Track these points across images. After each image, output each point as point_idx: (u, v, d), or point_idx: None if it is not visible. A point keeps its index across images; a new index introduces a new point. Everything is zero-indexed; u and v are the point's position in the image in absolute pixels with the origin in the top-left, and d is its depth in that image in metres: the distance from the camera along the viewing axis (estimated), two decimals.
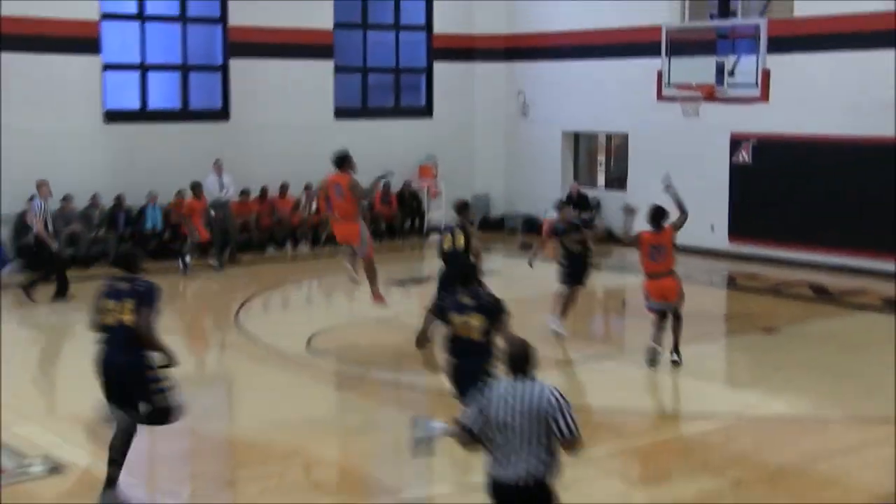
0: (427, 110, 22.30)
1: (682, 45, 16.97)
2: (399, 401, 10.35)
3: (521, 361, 5.63)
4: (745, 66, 15.87)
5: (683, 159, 19.25)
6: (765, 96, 15.60)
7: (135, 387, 7.30)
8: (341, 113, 20.98)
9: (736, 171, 18.61)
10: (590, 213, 21.11)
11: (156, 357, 7.35)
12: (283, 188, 19.54)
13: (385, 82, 22.09)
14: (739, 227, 18.72)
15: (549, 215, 20.84)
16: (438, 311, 8.05)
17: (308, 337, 12.68)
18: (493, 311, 7.56)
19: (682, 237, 17.68)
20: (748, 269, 17.84)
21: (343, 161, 12.14)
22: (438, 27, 22.14)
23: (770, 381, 11.04)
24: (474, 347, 7.50)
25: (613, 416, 9.87)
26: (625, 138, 20.95)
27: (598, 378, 11.15)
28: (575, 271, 12.53)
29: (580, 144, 22.23)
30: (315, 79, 20.45)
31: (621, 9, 20.24)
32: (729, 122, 18.27)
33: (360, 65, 21.51)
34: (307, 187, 19.40)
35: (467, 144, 22.41)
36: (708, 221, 19.00)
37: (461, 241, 11.31)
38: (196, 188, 17.39)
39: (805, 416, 9.85)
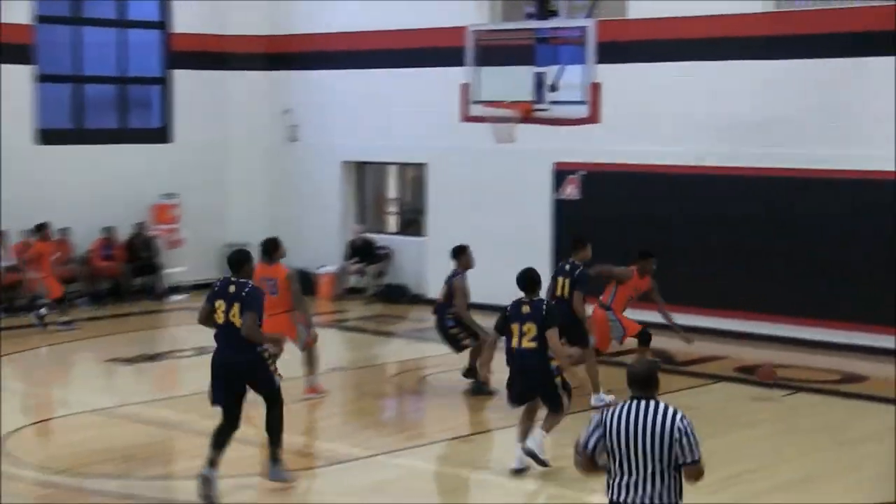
0: (163, 133, 22.04)
1: (493, 52, 17.38)
2: None
3: (647, 381, 6.62)
4: (571, 79, 16.39)
5: (495, 195, 19.72)
6: (595, 116, 16.13)
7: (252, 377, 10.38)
8: (47, 136, 20.45)
9: (561, 210, 19.19)
10: (378, 266, 21.30)
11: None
12: None
13: (106, 96, 21.69)
14: None
15: (326, 270, 20.91)
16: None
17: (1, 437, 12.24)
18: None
19: (491, 294, 18.02)
20: None
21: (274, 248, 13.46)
22: (179, 25, 21.98)
23: None
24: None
25: None
26: (422, 170, 21.27)
27: (387, 478, 11.20)
28: None
29: (366, 178, 22.42)
30: (8, 90, 19.87)
31: (417, 7, 20.65)
32: (552, 149, 18.85)
33: (72, 72, 21.05)
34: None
35: (219, 178, 22.23)
36: None
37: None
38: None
39: None
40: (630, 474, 6.53)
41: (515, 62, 17.09)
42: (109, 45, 21.59)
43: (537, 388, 10.95)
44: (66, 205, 20.00)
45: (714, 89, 17.74)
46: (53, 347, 17.28)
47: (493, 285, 19.57)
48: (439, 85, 19.61)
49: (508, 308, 11.11)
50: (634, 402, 6.60)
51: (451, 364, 14.08)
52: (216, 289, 10.39)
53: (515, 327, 10.92)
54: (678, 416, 6.54)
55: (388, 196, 22.90)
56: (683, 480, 6.60)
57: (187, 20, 22.03)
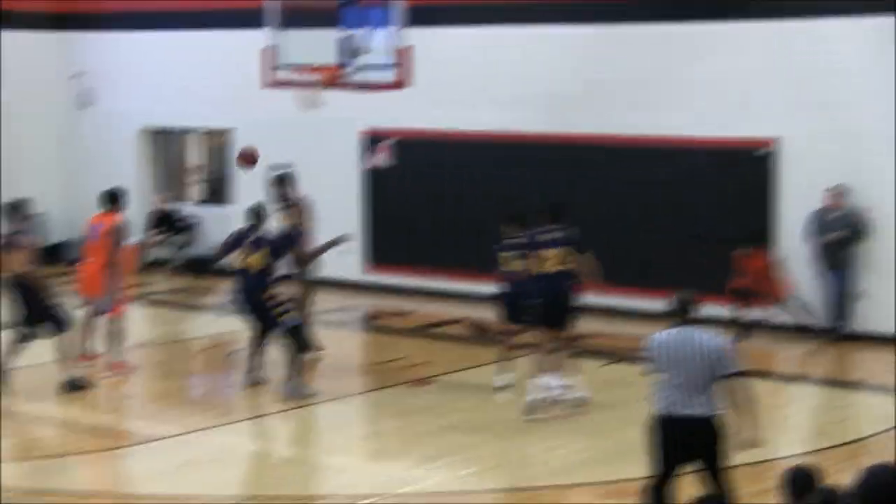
0: None
1: (297, 14, 17.32)
2: None
3: (688, 306, 8.41)
4: (379, 43, 16.45)
5: (303, 164, 19.61)
6: (404, 81, 16.24)
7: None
8: None
9: (371, 180, 19.28)
10: (182, 237, 21.08)
11: None
12: None
13: None
14: (378, 251, 19.37)
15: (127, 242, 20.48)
16: None
17: None
18: None
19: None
20: (392, 305, 18.50)
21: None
22: None
23: (424, 447, 11.54)
24: None
25: None
26: (227, 136, 21.07)
27: (198, 455, 11.15)
28: None
29: (166, 146, 22.12)
30: None
31: None
32: (360, 116, 18.90)
33: None
34: None
35: (5, 149, 21.51)
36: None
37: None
38: None
39: (469, 489, 10.35)
40: (678, 387, 8.21)
41: (320, 24, 17.05)
42: None
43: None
44: None
45: (526, 54, 18.02)
46: None
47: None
48: (241, 48, 19.39)
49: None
50: (677, 328, 8.36)
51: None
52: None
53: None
54: (716, 337, 8.34)
55: (191, 164, 22.61)
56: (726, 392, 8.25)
57: None
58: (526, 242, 12.82)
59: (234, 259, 13.48)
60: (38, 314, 12.92)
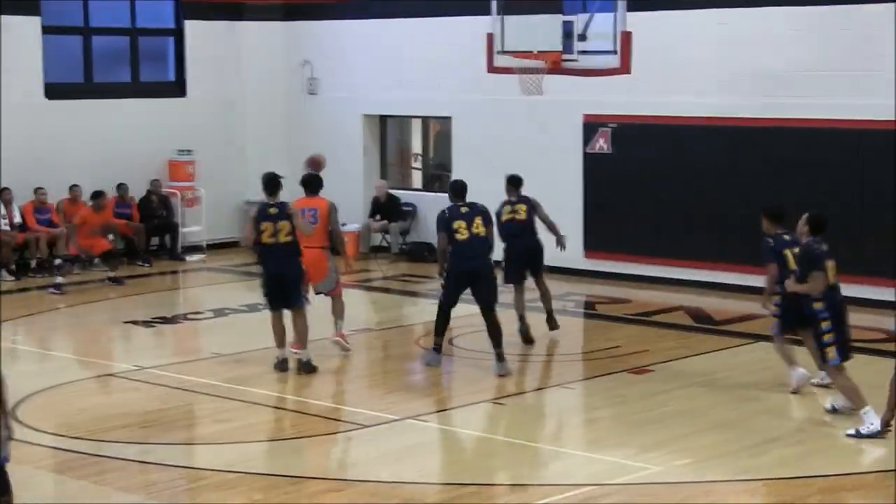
0: (177, 87, 22.06)
1: (520, 0, 17.34)
2: (145, 485, 10.15)
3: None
4: (601, 28, 16.35)
5: (523, 150, 19.66)
6: (626, 66, 16.11)
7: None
8: (55, 91, 20.48)
9: (591, 165, 19.14)
10: (403, 223, 21.33)
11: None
12: None
13: (117, 48, 21.69)
14: (598, 237, 19.23)
15: (348, 228, 20.95)
16: None
17: (14, 403, 12.32)
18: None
19: None
20: (609, 292, 18.34)
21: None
22: None
23: (641, 436, 11.39)
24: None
25: (450, 491, 10.01)
26: (447, 123, 21.23)
27: (418, 441, 11.25)
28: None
29: (388, 133, 22.41)
30: (14, 43, 19.89)
31: None
32: (581, 101, 18.77)
33: (81, 24, 21.05)
34: (2, 196, 19.20)
35: (235, 134, 22.25)
36: None
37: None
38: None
39: (687, 479, 10.18)
40: None
41: (543, 11, 17.03)
42: None
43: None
44: (76, 162, 20.06)
45: (748, 37, 17.60)
46: (67, 310, 17.39)
47: None
48: (465, 35, 19.58)
49: None
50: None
51: (480, 324, 14.09)
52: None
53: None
54: None
55: (413, 151, 22.87)
56: None
57: None
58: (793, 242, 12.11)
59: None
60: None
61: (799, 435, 11.35)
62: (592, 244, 19.17)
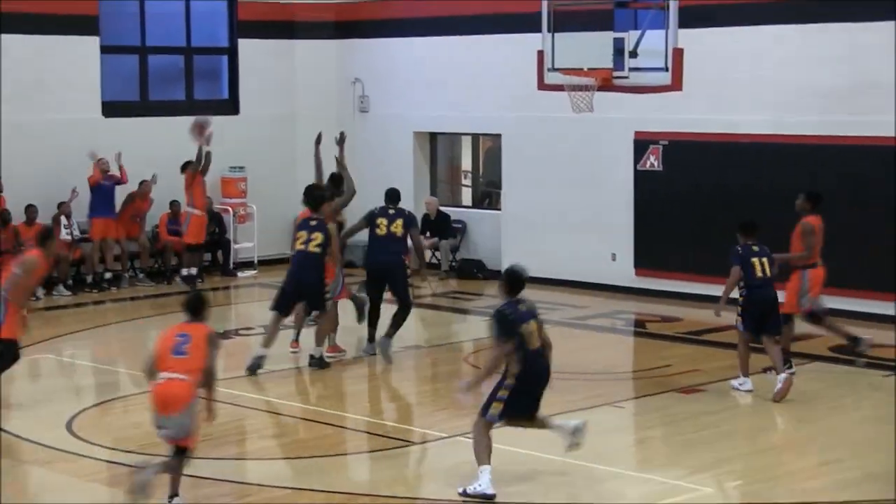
0: (231, 105, 22.17)
1: (570, 17, 17.29)
2: (195, 500, 10.17)
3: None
4: (652, 45, 16.26)
5: (574, 167, 19.62)
6: (677, 83, 16.01)
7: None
8: (112, 108, 20.65)
9: (642, 182, 19.05)
10: (453, 240, 21.30)
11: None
12: (31, 212, 19.10)
13: (173, 67, 21.85)
14: (649, 255, 19.13)
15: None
16: None
17: (69, 417, 12.39)
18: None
19: (575, 269, 18.04)
20: (660, 310, 18.24)
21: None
22: None
23: (693, 456, 11.29)
24: None
25: None
26: (497, 141, 21.22)
27: (466, 459, 11.22)
28: None
29: (438, 149, 22.42)
30: (74, 62, 20.10)
31: None
32: (632, 118, 18.72)
33: (138, 43, 21.25)
34: (61, 209, 19.28)
35: (287, 151, 22.32)
36: (608, 248, 19.36)
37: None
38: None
39: (740, 501, 10.08)
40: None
41: (593, 28, 16.99)
42: (175, 16, 21.71)
43: None
44: (132, 178, 20.16)
45: (800, 54, 17.47)
46: (121, 325, 17.51)
47: (571, 260, 19.65)
48: (514, 52, 19.54)
49: None
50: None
51: None
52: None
53: None
54: None
55: (463, 168, 22.86)
56: None
57: None
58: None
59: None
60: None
61: (856, 459, 11.19)
62: (643, 262, 19.08)
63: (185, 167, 19.96)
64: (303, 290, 14.46)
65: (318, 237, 14.31)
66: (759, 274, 13.37)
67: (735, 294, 13.57)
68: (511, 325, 10.07)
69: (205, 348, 9.72)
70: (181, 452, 9.68)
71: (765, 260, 13.45)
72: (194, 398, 9.65)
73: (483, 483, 10.03)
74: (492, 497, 9.97)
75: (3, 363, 12.68)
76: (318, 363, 14.46)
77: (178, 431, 9.63)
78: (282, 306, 14.58)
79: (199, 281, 19.82)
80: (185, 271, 19.91)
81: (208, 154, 19.45)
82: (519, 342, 10.07)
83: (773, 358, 13.26)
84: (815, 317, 14.13)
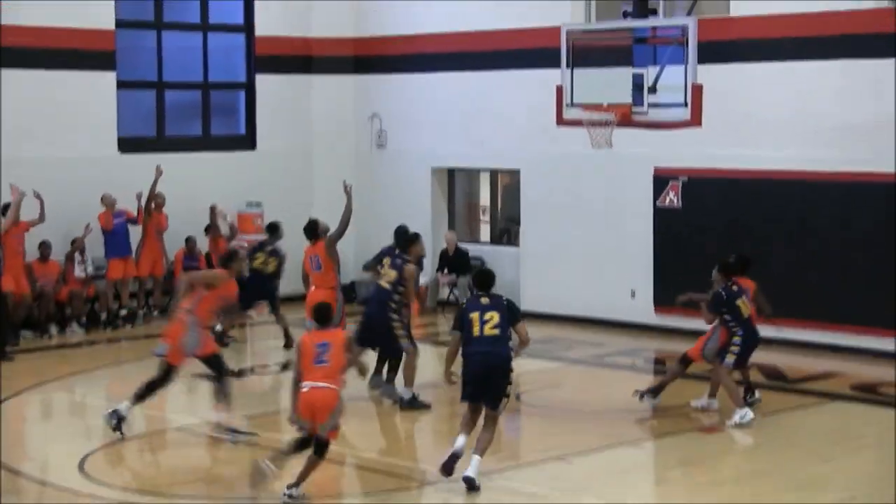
0: (248, 140, 22.21)
1: (589, 52, 17.30)
2: None
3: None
4: (671, 80, 16.26)
5: (593, 203, 19.58)
6: (697, 119, 16.00)
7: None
8: (128, 144, 20.71)
9: (662, 219, 18.99)
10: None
11: None
12: (45, 249, 19.12)
13: (189, 102, 21.93)
14: (668, 293, 19.00)
15: (421, 281, 20.91)
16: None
17: (81, 457, 12.35)
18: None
19: (595, 306, 17.93)
20: (680, 348, 18.09)
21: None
22: (263, 28, 22.16)
23: (708, 497, 11.20)
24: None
25: None
26: (516, 176, 21.19)
27: (484, 500, 11.14)
28: None
29: (456, 185, 22.40)
30: (90, 97, 20.17)
31: (508, 6, 20.60)
32: (652, 154, 18.68)
33: (154, 78, 21.33)
34: (75, 245, 19.30)
35: (304, 186, 22.34)
36: (627, 285, 19.28)
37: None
38: None
39: None
40: None
41: (612, 63, 17.00)
42: (192, 50, 21.81)
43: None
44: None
45: (820, 90, 17.43)
46: (134, 363, 17.46)
47: (591, 297, 19.58)
48: (533, 88, 19.57)
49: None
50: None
51: (548, 380, 13.99)
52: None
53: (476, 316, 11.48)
54: None
55: (481, 204, 22.81)
56: None
57: (271, 23, 22.21)
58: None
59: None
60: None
61: (878, 497, 11.10)
62: (663, 299, 18.96)
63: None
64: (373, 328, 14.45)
65: (392, 275, 14.33)
66: (746, 314, 13.67)
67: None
68: (460, 315, 11.52)
69: (344, 353, 10.83)
70: (323, 446, 10.71)
71: (744, 298, 13.79)
72: (339, 401, 10.76)
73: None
74: None
75: (219, 376, 13.14)
76: (410, 404, 14.24)
77: (323, 431, 10.72)
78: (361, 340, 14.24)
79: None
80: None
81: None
82: (467, 329, 11.35)
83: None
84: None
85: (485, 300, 11.54)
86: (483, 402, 11.29)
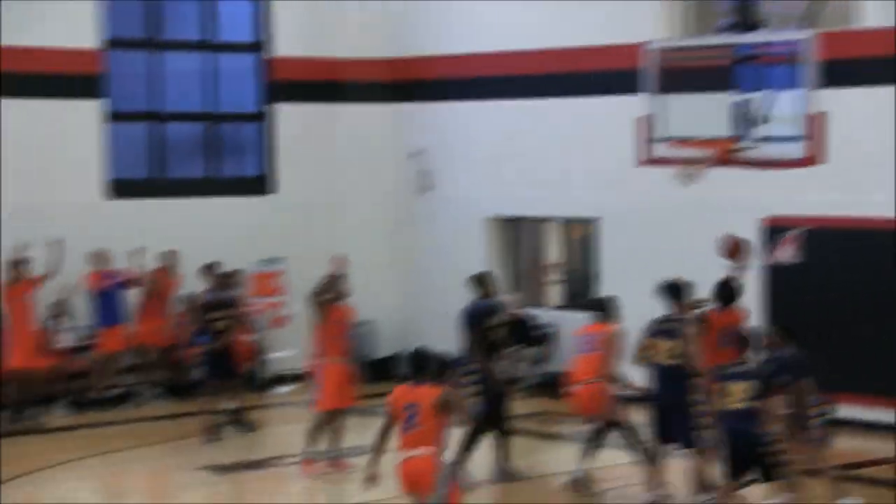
0: (262, 183, 22.36)
1: (681, 74, 17.42)
2: None
3: None
4: (784, 109, 16.34)
5: (687, 260, 19.51)
6: (817, 155, 16.00)
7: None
8: (119, 188, 20.90)
9: (775, 278, 18.94)
10: (538, 349, 21.17)
11: None
12: None
13: (191, 137, 22.10)
14: None
15: None
16: None
17: None
18: None
19: None
20: None
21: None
22: (280, 47, 22.36)
23: None
24: None
25: None
26: (593, 227, 21.18)
27: None
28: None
29: (519, 238, 22.43)
30: (72, 130, 20.39)
31: (579, 19, 20.68)
32: (761, 200, 18.64)
33: (149, 108, 21.54)
34: (58, 307, 19.44)
35: (331, 240, 22.34)
36: None
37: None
38: None
39: None
40: None
41: (710, 88, 17.08)
42: (195, 75, 22.00)
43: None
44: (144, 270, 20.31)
45: None
46: (134, 451, 17.54)
47: None
48: (611, 118, 19.62)
49: None
50: None
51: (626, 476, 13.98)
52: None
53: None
54: None
55: (549, 261, 22.78)
56: None
57: (290, 42, 22.39)
58: None
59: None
60: None
61: None
62: None
63: None
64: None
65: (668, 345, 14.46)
66: None
67: None
68: None
69: (436, 417, 10.87)
70: None
71: None
72: (439, 468, 10.86)
73: None
74: None
75: None
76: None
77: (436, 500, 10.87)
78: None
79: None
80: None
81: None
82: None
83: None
84: None
85: None
86: None
